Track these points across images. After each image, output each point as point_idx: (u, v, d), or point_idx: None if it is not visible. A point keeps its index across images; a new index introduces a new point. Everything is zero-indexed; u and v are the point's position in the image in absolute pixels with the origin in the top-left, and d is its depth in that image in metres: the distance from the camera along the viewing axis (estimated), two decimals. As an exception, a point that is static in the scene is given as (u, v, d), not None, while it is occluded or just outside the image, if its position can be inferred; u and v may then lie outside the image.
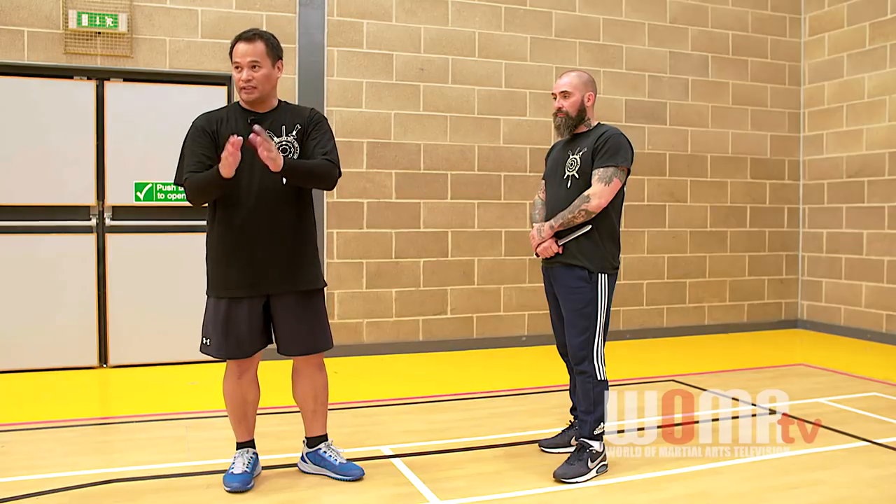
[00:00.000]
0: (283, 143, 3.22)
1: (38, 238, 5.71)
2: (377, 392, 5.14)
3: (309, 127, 3.28)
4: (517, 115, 6.91)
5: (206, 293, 3.33)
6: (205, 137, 3.20)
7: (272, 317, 3.29)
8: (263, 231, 3.18)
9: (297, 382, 3.44)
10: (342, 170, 3.39)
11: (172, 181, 3.30)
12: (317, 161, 3.20)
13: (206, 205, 3.27)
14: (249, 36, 3.18)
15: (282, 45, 3.33)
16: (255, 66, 3.16)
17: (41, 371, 5.66)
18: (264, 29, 3.53)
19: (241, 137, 2.93)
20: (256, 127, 2.91)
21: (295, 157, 3.22)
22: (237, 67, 3.18)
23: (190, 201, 3.25)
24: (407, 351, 6.54)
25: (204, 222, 3.41)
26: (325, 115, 5.72)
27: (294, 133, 3.25)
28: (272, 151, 2.94)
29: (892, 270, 7.13)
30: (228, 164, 2.95)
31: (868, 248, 7.36)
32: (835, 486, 3.37)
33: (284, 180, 3.13)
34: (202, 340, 3.31)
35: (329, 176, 3.23)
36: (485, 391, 5.14)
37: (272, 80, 3.23)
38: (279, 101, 3.34)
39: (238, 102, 3.31)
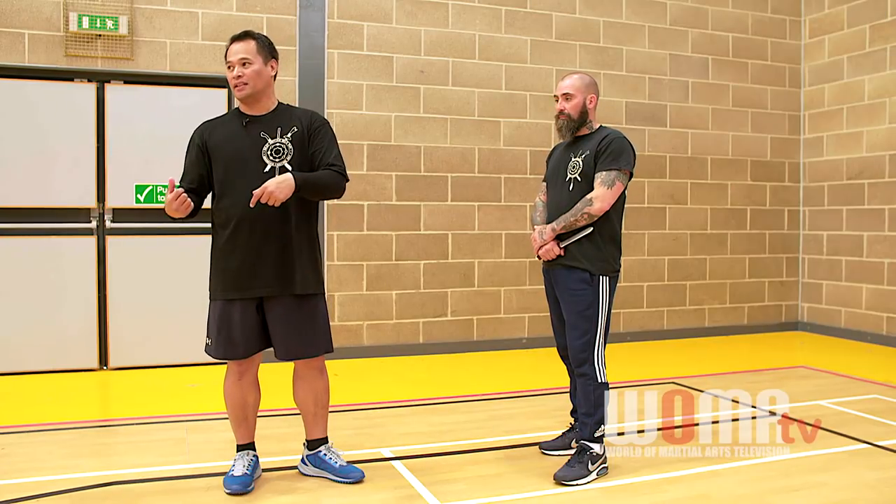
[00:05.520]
0: (278, 144, 3.22)
1: (38, 240, 5.71)
2: (377, 394, 5.14)
3: (310, 132, 3.28)
4: (517, 118, 6.92)
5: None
6: (193, 150, 3.31)
7: (266, 320, 3.29)
8: (254, 235, 3.19)
9: (298, 386, 3.43)
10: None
11: None
12: (325, 173, 3.22)
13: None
14: (241, 35, 3.26)
15: (282, 47, 3.37)
16: (245, 63, 3.20)
17: (41, 373, 5.65)
18: (264, 31, 3.56)
19: (173, 179, 3.10)
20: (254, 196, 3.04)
21: (289, 157, 3.21)
22: (230, 67, 3.23)
23: None
24: (407, 353, 6.54)
25: (205, 224, 3.42)
26: (326, 118, 5.72)
27: (290, 135, 3.25)
28: (274, 191, 3.01)
29: (893, 273, 7.13)
30: (175, 207, 3.11)
31: (868, 250, 7.36)
32: (836, 488, 3.37)
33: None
34: (206, 341, 3.32)
35: (338, 187, 3.27)
36: (485, 393, 5.14)
37: (264, 78, 3.24)
38: (279, 103, 3.36)
39: (238, 107, 3.33)
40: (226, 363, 3.37)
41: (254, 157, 3.20)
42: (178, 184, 3.20)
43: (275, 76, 3.32)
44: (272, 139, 3.22)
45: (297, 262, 3.25)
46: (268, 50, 3.27)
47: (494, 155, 6.84)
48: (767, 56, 7.90)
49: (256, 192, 3.03)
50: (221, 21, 6.05)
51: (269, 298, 3.24)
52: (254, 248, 3.19)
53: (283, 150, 3.22)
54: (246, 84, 3.19)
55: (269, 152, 3.20)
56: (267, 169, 3.17)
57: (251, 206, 3.05)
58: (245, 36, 3.24)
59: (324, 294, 3.39)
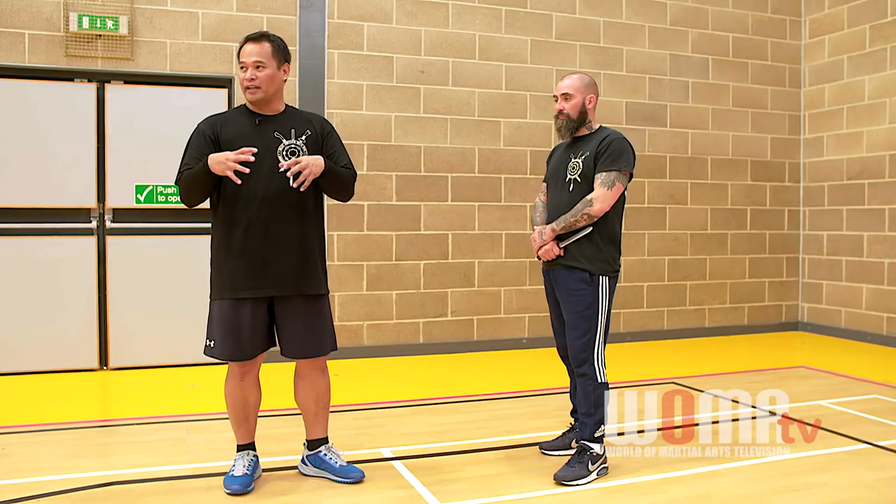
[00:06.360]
0: (293, 145, 3.24)
1: (38, 240, 5.71)
2: (378, 394, 5.14)
3: (322, 136, 3.34)
4: (517, 118, 6.91)
5: (210, 297, 3.31)
6: (206, 141, 3.23)
7: (276, 319, 3.29)
8: (268, 234, 3.19)
9: (300, 385, 3.43)
10: None
11: (174, 182, 3.33)
12: (344, 170, 3.32)
13: (199, 205, 3.29)
14: (257, 37, 3.23)
15: (282, 47, 3.34)
16: (259, 67, 3.19)
17: (42, 373, 5.65)
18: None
19: (254, 148, 3.10)
20: (283, 165, 3.13)
21: None
22: (243, 67, 3.21)
23: (182, 200, 3.28)
24: (407, 353, 6.54)
25: (205, 224, 3.42)
26: (326, 118, 5.75)
27: (304, 137, 3.27)
28: (310, 163, 3.11)
29: (893, 273, 7.13)
30: (226, 166, 3.04)
31: (868, 250, 7.36)
32: (836, 488, 3.37)
33: (294, 183, 3.15)
34: (206, 343, 3.30)
35: (351, 186, 3.39)
36: (485, 393, 5.14)
37: (276, 82, 3.25)
38: (287, 105, 3.37)
39: (245, 105, 3.33)
40: (227, 363, 3.36)
41: (268, 155, 3.19)
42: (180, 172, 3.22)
43: (285, 80, 3.33)
44: (286, 140, 3.24)
45: (310, 263, 3.28)
46: (282, 54, 3.28)
47: (494, 155, 6.84)
48: (767, 56, 7.90)
49: (290, 162, 3.10)
50: (221, 21, 6.05)
51: (282, 298, 3.24)
52: (269, 246, 3.19)
53: (299, 151, 3.24)
54: (258, 88, 3.19)
55: (284, 153, 3.21)
56: (282, 168, 3.17)
57: (284, 171, 3.12)
58: (261, 37, 3.23)
59: (328, 294, 3.41)
